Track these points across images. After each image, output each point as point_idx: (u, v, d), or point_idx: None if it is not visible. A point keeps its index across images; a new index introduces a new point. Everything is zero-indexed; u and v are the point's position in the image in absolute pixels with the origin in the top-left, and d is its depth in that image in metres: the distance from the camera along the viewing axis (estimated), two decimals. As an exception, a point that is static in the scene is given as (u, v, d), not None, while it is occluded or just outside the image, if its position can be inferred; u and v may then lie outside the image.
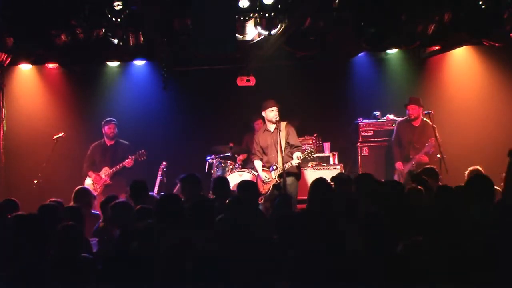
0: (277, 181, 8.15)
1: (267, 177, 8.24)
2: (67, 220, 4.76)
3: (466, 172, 7.37)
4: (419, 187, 5.60)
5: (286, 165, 8.02)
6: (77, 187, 7.01)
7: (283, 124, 8.26)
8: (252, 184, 6.69)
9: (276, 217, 4.81)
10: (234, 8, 7.52)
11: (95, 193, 9.25)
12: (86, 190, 6.99)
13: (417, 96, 9.49)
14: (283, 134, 8.19)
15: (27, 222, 4.30)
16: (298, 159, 8.09)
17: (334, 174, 7.79)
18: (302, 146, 8.69)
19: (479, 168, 7.29)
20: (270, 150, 8.28)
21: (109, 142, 9.55)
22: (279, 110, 8.21)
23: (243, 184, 6.39)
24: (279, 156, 8.12)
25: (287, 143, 8.22)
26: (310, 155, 8.32)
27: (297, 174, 8.30)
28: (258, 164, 8.39)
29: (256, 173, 8.54)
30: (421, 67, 10.31)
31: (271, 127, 8.33)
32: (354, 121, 10.07)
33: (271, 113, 8.23)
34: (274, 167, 8.19)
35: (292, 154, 8.17)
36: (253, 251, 4.05)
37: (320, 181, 5.99)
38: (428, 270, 3.51)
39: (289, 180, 8.08)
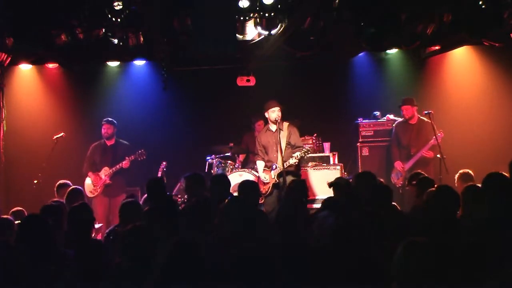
0: (276, 181, 8.15)
1: (266, 178, 8.24)
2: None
3: (456, 176, 7.27)
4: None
5: (284, 164, 8.02)
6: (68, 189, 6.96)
7: (285, 124, 8.27)
8: (253, 184, 6.68)
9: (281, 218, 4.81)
10: (234, 8, 7.52)
11: (95, 193, 9.26)
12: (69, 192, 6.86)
13: (411, 97, 9.49)
14: (284, 134, 8.19)
15: (30, 222, 4.31)
16: (295, 159, 8.10)
17: (333, 175, 7.82)
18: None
19: (469, 171, 7.20)
20: (271, 150, 8.28)
21: (109, 142, 9.51)
22: (281, 111, 8.22)
23: (243, 184, 6.38)
24: (279, 156, 8.12)
25: (288, 143, 8.22)
26: (305, 154, 8.29)
27: (297, 173, 8.30)
28: (260, 164, 8.39)
29: (256, 174, 8.54)
30: (421, 67, 10.30)
31: (273, 127, 8.33)
32: (354, 121, 10.08)
33: (273, 113, 8.24)
34: (274, 166, 8.19)
35: (293, 154, 8.17)
36: (255, 251, 4.04)
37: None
38: (428, 270, 3.51)
39: (290, 180, 8.07)
